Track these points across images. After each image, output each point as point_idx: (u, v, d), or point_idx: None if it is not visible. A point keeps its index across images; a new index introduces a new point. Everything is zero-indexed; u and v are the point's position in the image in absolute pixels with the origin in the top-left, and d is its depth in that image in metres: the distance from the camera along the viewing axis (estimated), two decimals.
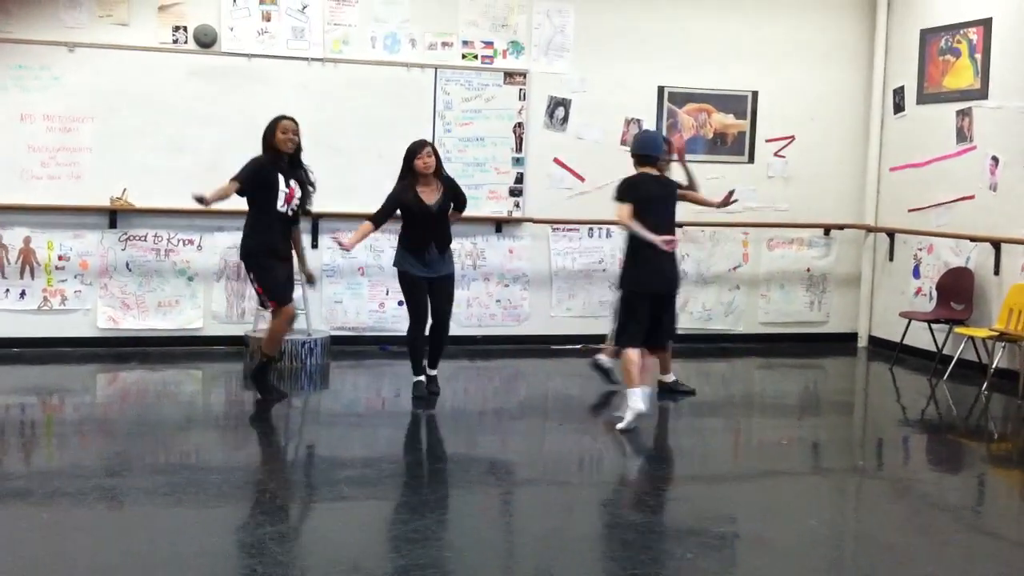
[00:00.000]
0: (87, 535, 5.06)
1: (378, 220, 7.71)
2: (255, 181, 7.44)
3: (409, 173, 7.68)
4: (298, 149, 7.56)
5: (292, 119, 7.54)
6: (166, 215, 9.44)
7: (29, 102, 9.15)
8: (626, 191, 7.22)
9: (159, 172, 9.36)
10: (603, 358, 8.43)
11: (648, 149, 7.42)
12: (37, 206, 9.19)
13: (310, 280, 8.06)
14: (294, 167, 7.57)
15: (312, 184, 7.71)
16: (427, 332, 7.89)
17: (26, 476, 6.02)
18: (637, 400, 7.08)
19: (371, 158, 9.58)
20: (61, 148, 9.23)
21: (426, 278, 7.75)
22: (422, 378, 7.95)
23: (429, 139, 9.79)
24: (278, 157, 7.48)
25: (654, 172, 7.40)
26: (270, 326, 7.78)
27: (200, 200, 7.13)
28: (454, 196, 7.86)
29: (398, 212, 7.75)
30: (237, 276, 9.66)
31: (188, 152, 9.40)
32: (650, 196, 7.24)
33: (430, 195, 7.70)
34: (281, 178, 7.45)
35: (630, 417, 7.08)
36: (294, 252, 7.75)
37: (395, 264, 7.88)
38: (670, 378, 8.25)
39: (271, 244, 7.52)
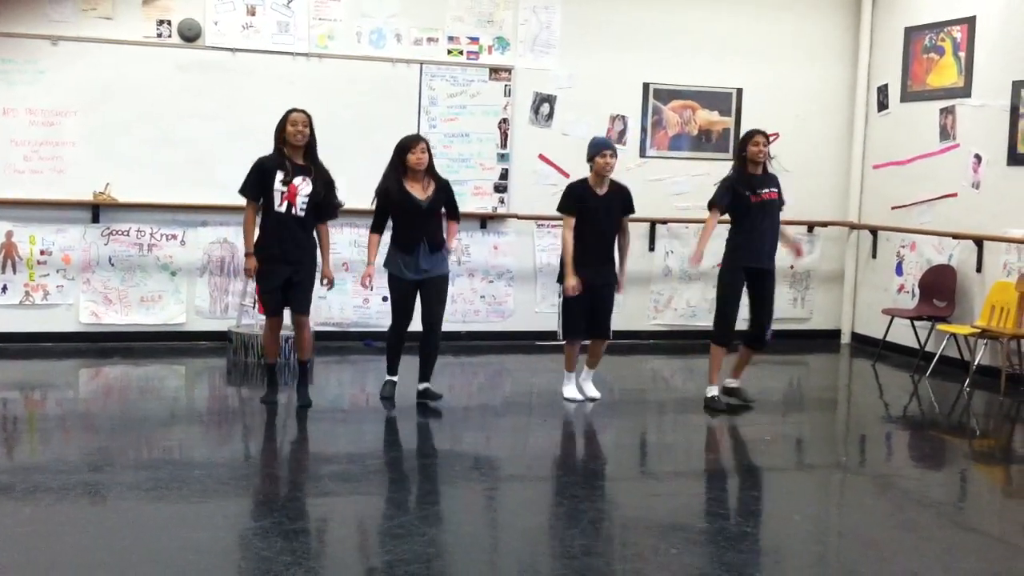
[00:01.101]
0: (70, 530, 5.04)
1: (378, 227, 7.52)
2: (257, 185, 7.16)
3: (399, 167, 7.44)
4: (311, 143, 7.22)
5: (303, 111, 7.22)
6: (149, 210, 9.42)
7: (12, 96, 9.11)
8: None
9: (142, 167, 9.33)
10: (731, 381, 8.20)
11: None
12: (19, 200, 9.15)
13: (327, 282, 7.45)
14: (308, 162, 7.21)
15: (328, 183, 7.27)
16: (416, 337, 7.65)
17: (8, 471, 5.99)
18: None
19: (356, 153, 9.54)
20: (44, 142, 9.19)
21: (414, 281, 7.48)
22: (394, 378, 7.70)
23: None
24: (286, 152, 7.16)
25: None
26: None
27: (254, 264, 7.21)
28: (447, 200, 7.59)
29: None
30: (220, 271, 9.65)
31: (172, 147, 9.37)
32: None
33: (420, 191, 7.43)
34: (279, 176, 7.10)
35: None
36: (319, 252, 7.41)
37: (385, 265, 7.60)
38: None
39: (272, 248, 7.16)
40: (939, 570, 4.99)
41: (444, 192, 7.55)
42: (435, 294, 7.53)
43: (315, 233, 7.36)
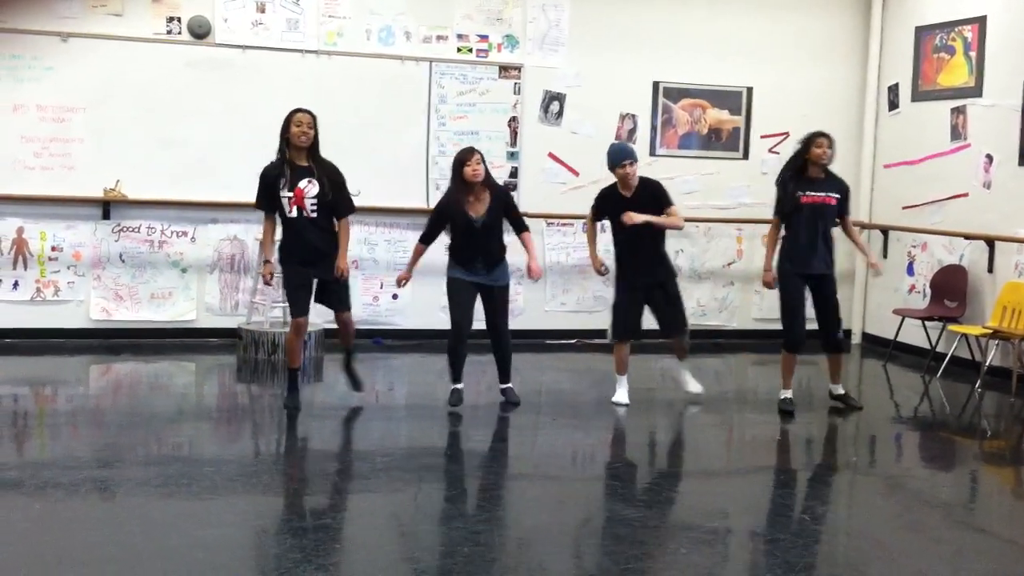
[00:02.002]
0: (80, 526, 5.05)
1: (427, 238, 7.39)
2: (265, 196, 7.10)
3: (457, 182, 7.24)
4: (315, 143, 7.06)
5: (307, 111, 7.05)
6: (159, 206, 9.43)
7: (22, 92, 9.13)
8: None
9: (153, 163, 9.34)
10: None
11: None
12: (30, 197, 9.17)
13: (337, 271, 7.21)
14: (312, 163, 7.04)
15: (335, 180, 7.09)
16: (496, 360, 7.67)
17: (19, 467, 6.01)
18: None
19: (365, 151, 9.57)
20: (54, 139, 9.21)
21: (475, 284, 7.34)
22: (460, 386, 7.55)
23: (423, 133, 9.85)
24: (289, 154, 6.99)
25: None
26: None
27: (269, 271, 7.15)
28: (506, 210, 7.40)
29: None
30: (230, 268, 9.66)
31: (182, 144, 9.39)
32: None
33: (477, 207, 7.23)
34: (284, 182, 6.99)
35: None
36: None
37: (447, 271, 7.42)
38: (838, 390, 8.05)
39: (291, 251, 7.10)
40: (948, 572, 4.98)
41: (501, 201, 7.35)
42: (498, 304, 7.45)
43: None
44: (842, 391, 8.01)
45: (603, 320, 9.70)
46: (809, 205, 7.50)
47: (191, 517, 5.23)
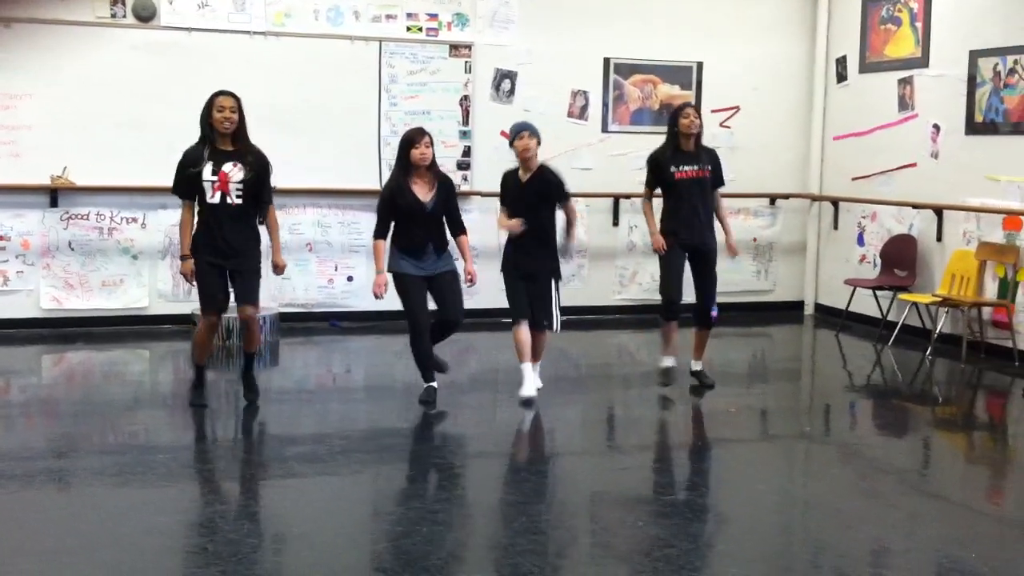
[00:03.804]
0: (35, 517, 5.01)
1: (382, 232, 6.98)
2: (186, 180, 6.64)
3: (405, 165, 6.92)
4: (241, 128, 6.66)
5: (230, 94, 6.63)
6: (108, 193, 9.32)
7: None
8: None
9: (100, 149, 9.22)
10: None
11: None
12: None
13: (277, 270, 6.92)
14: (240, 147, 6.67)
15: (261, 166, 6.72)
16: (433, 328, 7.19)
17: None
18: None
19: (315, 133, 9.52)
20: (0, 126, 9.06)
21: (424, 277, 7.02)
22: (434, 384, 7.20)
23: (374, 113, 9.79)
24: (215, 139, 6.62)
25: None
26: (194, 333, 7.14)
27: (189, 267, 6.68)
28: (448, 201, 7.07)
29: None
30: None
31: (130, 128, 9.27)
32: None
33: (425, 191, 6.93)
34: (208, 167, 6.57)
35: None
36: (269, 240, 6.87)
37: (388, 268, 7.05)
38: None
39: (209, 243, 6.65)
40: (903, 536, 5.05)
41: (445, 190, 7.04)
42: (452, 290, 7.08)
43: (258, 221, 6.88)
44: (700, 367, 7.82)
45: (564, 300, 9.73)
46: (682, 180, 7.44)
47: (147, 505, 5.19)
